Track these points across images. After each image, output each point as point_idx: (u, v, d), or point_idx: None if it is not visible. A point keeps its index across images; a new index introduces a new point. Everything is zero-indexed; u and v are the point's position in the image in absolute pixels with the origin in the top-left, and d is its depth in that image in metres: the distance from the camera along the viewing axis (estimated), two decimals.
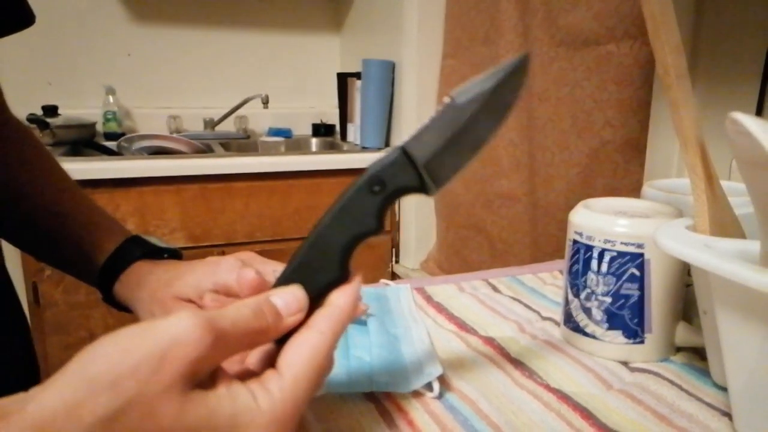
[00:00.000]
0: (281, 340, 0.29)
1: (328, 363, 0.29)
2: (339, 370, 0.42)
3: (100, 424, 0.22)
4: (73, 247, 0.49)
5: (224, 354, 0.26)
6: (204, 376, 0.26)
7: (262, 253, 0.47)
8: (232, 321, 0.26)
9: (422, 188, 0.32)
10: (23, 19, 0.50)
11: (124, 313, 0.48)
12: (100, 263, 0.48)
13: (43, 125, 1.44)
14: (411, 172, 0.31)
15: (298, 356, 0.28)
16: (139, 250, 0.49)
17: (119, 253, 0.48)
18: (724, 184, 0.39)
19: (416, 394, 0.40)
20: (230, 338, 0.26)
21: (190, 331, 0.24)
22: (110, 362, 0.23)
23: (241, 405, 0.25)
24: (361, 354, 0.44)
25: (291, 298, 0.29)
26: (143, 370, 0.23)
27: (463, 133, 0.32)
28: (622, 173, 0.95)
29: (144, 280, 0.47)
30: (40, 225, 0.50)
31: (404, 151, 0.32)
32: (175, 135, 1.67)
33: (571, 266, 0.47)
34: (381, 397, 0.40)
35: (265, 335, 0.28)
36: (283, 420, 0.26)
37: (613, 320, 0.44)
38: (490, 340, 0.48)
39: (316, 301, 0.30)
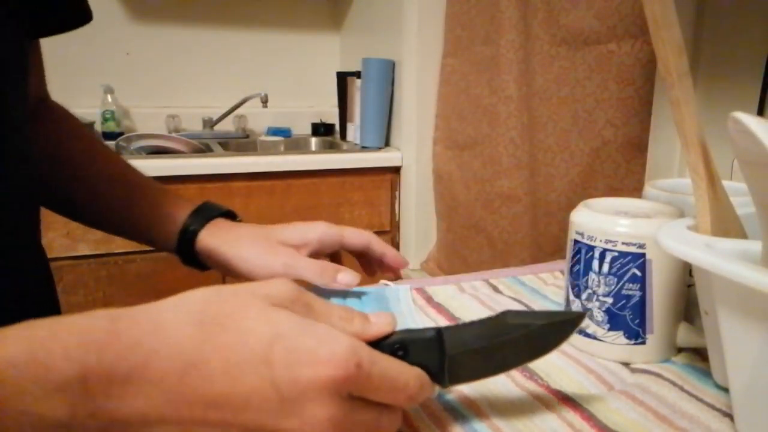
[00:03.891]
0: None
1: None
2: None
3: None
4: (150, 212, 0.51)
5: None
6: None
7: None
8: (381, 374, 0.29)
9: (437, 375, 0.33)
10: (82, 16, 0.54)
11: None
12: (180, 223, 0.50)
13: None
14: (436, 356, 0.32)
15: None
16: (218, 210, 0.52)
17: (199, 211, 0.52)
18: (726, 184, 0.39)
19: None
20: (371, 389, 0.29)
21: (345, 363, 0.27)
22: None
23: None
24: None
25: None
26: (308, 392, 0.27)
27: (497, 351, 0.33)
28: (624, 173, 0.95)
29: (235, 229, 0.51)
30: (113, 194, 0.52)
31: (440, 334, 0.33)
32: (173, 134, 1.67)
33: (572, 266, 0.46)
34: None
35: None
36: None
37: (614, 321, 0.44)
38: None
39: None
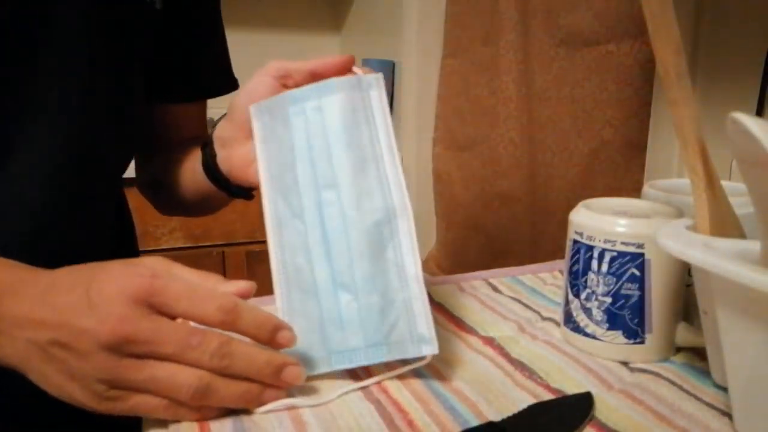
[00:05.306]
0: None
1: None
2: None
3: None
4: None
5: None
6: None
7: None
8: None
9: None
10: (230, 86, 0.67)
11: None
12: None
13: None
14: None
15: None
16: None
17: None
18: (725, 184, 0.39)
19: (417, 394, 0.40)
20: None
21: None
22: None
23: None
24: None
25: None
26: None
27: None
28: (623, 173, 0.95)
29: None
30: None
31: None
32: None
33: (571, 266, 0.47)
34: (380, 397, 0.40)
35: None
36: None
37: (613, 320, 0.44)
38: (490, 340, 0.48)
39: None
